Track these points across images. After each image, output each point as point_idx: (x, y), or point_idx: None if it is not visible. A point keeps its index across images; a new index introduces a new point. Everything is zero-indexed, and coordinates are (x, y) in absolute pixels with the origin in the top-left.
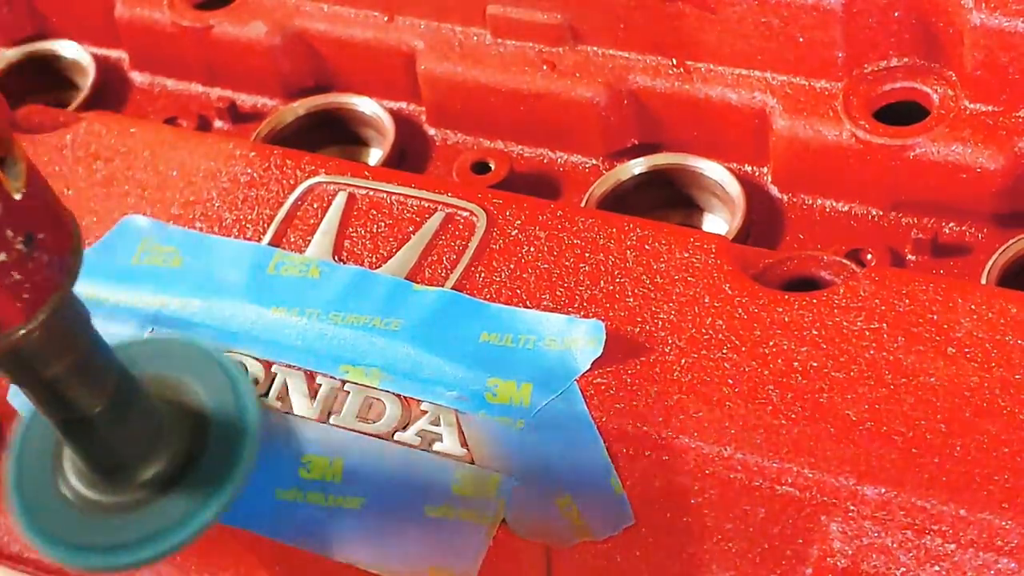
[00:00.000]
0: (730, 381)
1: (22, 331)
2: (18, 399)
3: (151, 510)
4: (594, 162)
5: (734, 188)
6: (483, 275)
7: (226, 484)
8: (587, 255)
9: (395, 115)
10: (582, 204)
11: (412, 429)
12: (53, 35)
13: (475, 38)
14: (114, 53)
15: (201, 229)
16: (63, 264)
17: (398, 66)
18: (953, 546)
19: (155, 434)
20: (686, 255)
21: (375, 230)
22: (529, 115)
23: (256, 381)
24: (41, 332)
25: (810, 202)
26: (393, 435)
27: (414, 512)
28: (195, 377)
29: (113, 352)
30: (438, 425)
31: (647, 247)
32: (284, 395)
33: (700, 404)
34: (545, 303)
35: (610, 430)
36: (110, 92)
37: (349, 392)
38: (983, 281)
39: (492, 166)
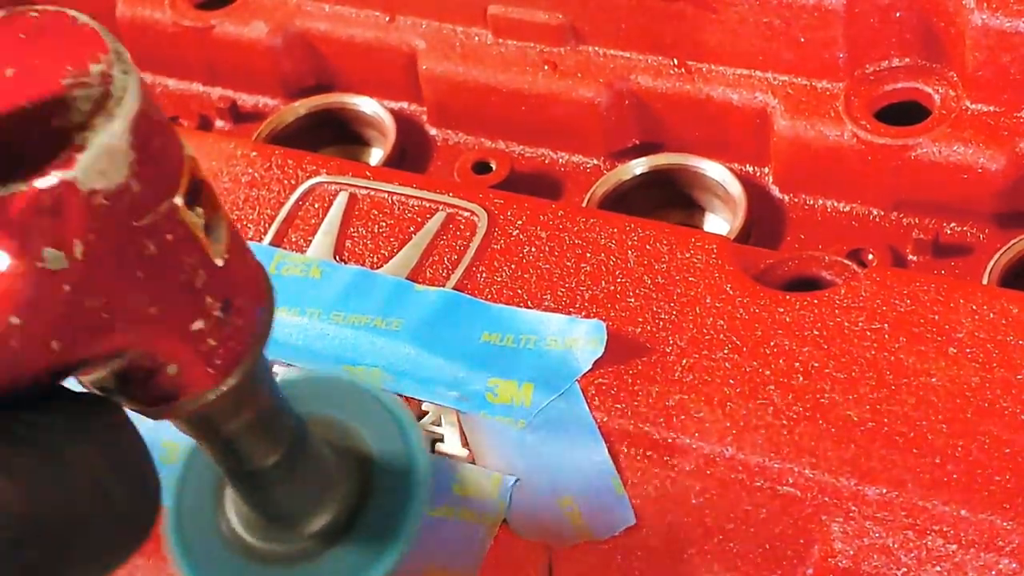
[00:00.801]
0: (731, 381)
1: (211, 396)
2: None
3: (318, 563)
4: (595, 162)
5: (735, 188)
6: (484, 275)
7: (396, 539)
8: (588, 255)
9: (396, 115)
10: (583, 204)
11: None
12: None
13: (476, 38)
14: None
15: None
16: (258, 327)
17: (399, 66)
18: (954, 546)
19: (325, 483)
20: (687, 255)
21: (376, 230)
22: (530, 115)
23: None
24: (227, 395)
25: (811, 202)
26: None
27: None
28: (361, 419)
29: (289, 403)
30: (439, 425)
31: (648, 247)
32: None
33: (701, 404)
34: (546, 303)
35: (611, 430)
36: None
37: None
38: (984, 281)
39: (493, 166)
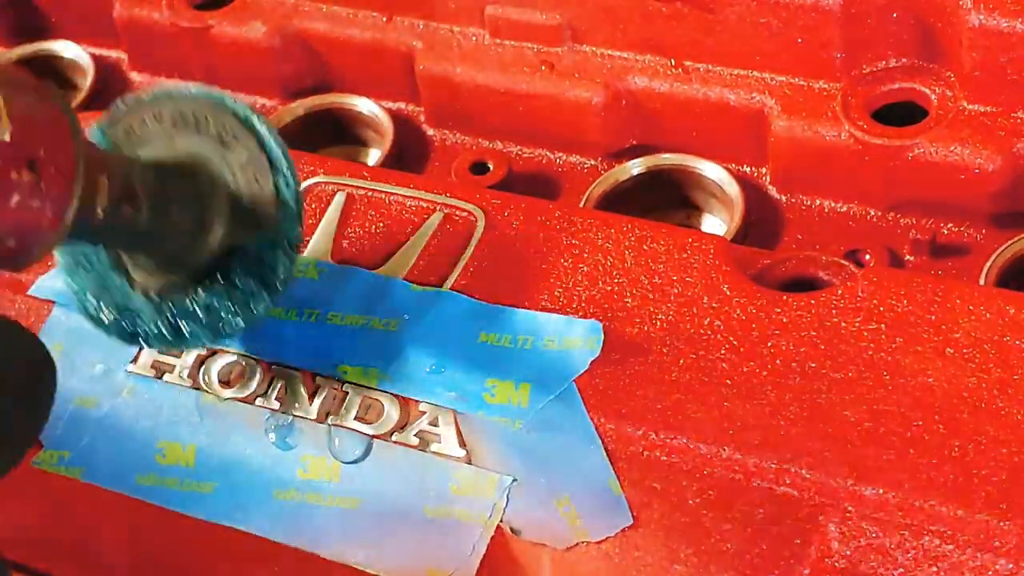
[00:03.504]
0: (728, 381)
1: (54, 239)
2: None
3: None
4: (593, 162)
5: (732, 188)
6: (481, 275)
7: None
8: (585, 255)
9: (394, 115)
10: (581, 204)
11: (410, 429)
12: (53, 35)
13: (474, 38)
14: (113, 53)
15: None
16: (73, 166)
17: (397, 66)
18: (951, 547)
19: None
20: (684, 255)
21: (373, 230)
22: (528, 115)
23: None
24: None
25: (808, 202)
26: (391, 435)
27: (412, 512)
28: (226, 150)
29: (134, 163)
30: (436, 426)
31: (645, 247)
32: (283, 395)
33: (698, 404)
34: (543, 303)
35: (608, 430)
36: (109, 92)
37: (348, 393)
38: (981, 282)
39: (490, 166)
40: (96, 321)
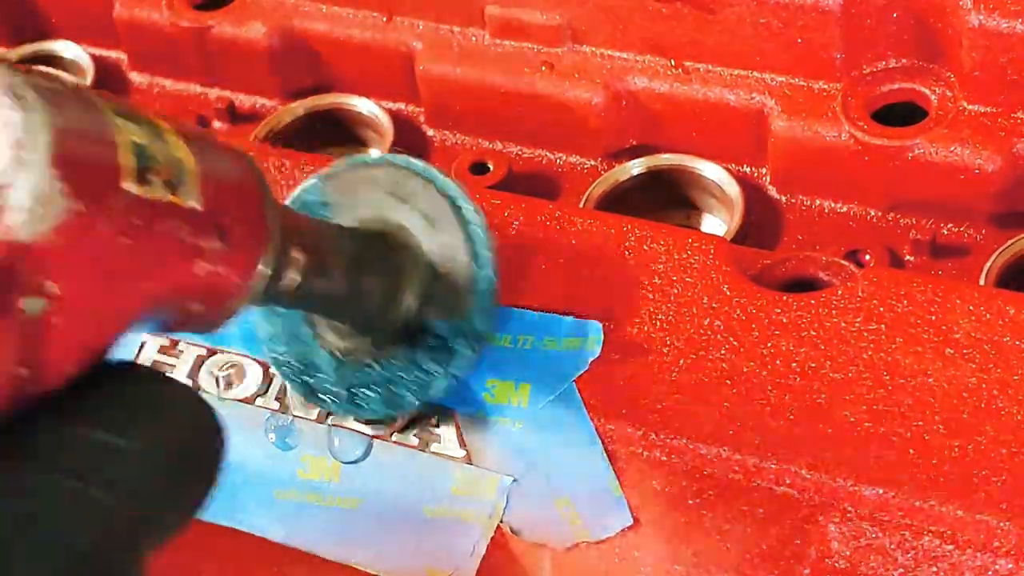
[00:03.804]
0: (728, 382)
1: (246, 300)
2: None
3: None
4: (592, 163)
5: (732, 189)
6: None
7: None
8: (585, 255)
9: (394, 115)
10: (580, 205)
11: (410, 429)
12: (52, 35)
13: (474, 38)
14: (113, 53)
15: None
16: (265, 226)
17: (397, 67)
18: (951, 547)
19: (397, 279)
20: (684, 256)
21: None
22: (528, 116)
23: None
24: (262, 283)
25: (808, 203)
26: (391, 436)
27: (412, 512)
28: (425, 218)
29: (334, 228)
30: (436, 426)
31: (645, 248)
32: (283, 396)
33: (698, 405)
34: (543, 303)
35: (608, 430)
36: (109, 92)
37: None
38: (981, 282)
39: (490, 166)
40: (281, 368)
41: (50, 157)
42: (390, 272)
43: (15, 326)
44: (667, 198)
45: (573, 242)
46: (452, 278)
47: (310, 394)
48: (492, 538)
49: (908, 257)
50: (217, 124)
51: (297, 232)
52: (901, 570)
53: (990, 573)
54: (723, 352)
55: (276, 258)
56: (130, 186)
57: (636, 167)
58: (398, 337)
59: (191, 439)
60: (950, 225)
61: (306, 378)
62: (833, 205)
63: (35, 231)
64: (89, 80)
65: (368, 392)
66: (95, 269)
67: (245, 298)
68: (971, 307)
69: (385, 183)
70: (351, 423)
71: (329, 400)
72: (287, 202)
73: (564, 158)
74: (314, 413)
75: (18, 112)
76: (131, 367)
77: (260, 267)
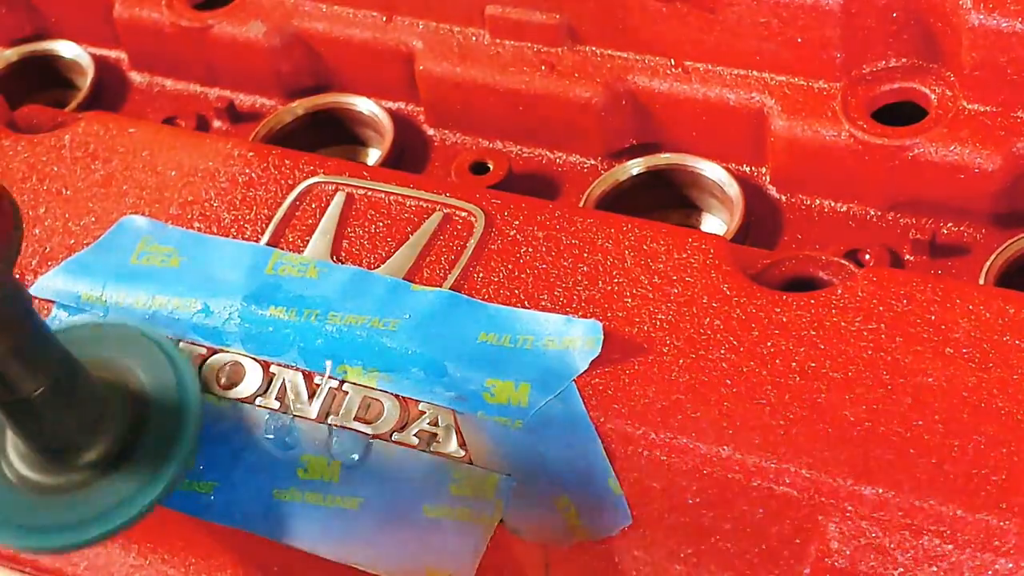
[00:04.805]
0: (728, 381)
1: None
2: None
3: (94, 491)
4: (592, 162)
5: (732, 188)
6: (481, 275)
7: (168, 466)
8: (585, 255)
9: (394, 115)
10: (580, 204)
11: (410, 429)
12: (53, 35)
13: (474, 38)
14: (113, 53)
15: (199, 229)
16: (3, 245)
17: (397, 66)
18: (951, 546)
19: (97, 416)
20: (684, 255)
21: (373, 230)
22: (528, 115)
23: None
24: None
25: (808, 202)
26: (391, 435)
27: (412, 512)
28: (136, 361)
29: (54, 335)
30: (436, 425)
31: (645, 247)
32: (283, 395)
33: (698, 404)
34: (543, 303)
35: (608, 430)
36: (109, 92)
37: (348, 392)
38: (981, 281)
39: (490, 166)
40: None
41: None
42: (95, 396)
43: None
44: (667, 198)
45: (573, 242)
46: (162, 405)
47: None
48: (492, 538)
49: (908, 257)
50: (217, 123)
51: (26, 303)
52: (901, 569)
53: (990, 573)
54: (723, 352)
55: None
56: None
57: (636, 167)
58: (98, 465)
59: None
60: (950, 224)
61: None
62: (833, 205)
63: None
64: (89, 80)
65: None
66: None
67: None
68: (971, 307)
69: (102, 336)
70: (351, 423)
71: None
72: None
73: (564, 157)
74: (314, 413)
75: None
76: None
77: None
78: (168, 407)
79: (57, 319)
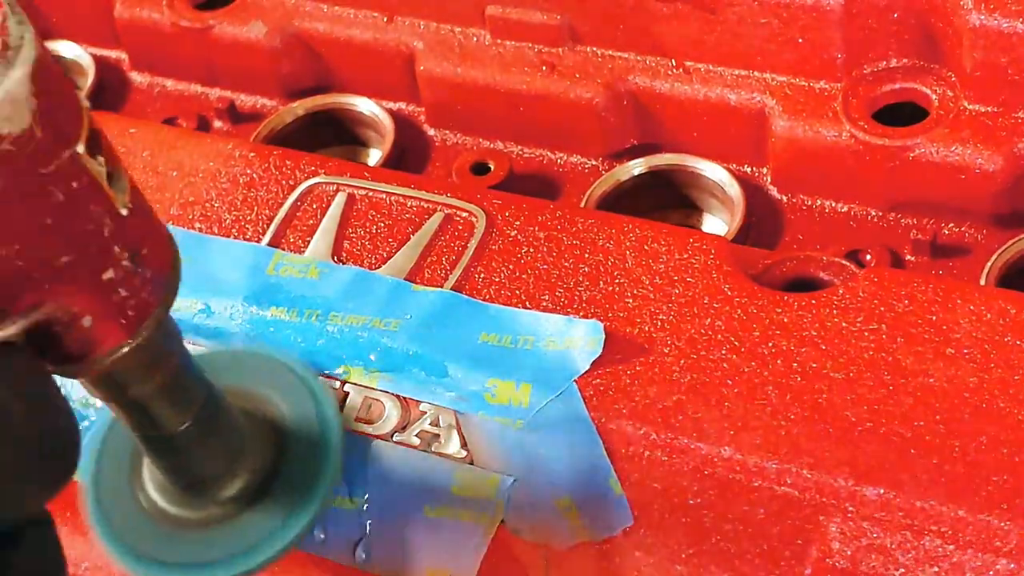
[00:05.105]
0: (729, 381)
1: (124, 349)
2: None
3: (234, 527)
4: (593, 163)
5: (733, 189)
6: (482, 276)
7: (309, 502)
8: (586, 256)
9: (394, 115)
10: (581, 205)
11: (411, 430)
12: (53, 35)
13: (474, 39)
14: (114, 53)
15: (200, 229)
16: (165, 280)
17: (397, 67)
18: (952, 547)
19: (238, 449)
20: (685, 256)
21: (374, 230)
22: (528, 116)
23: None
24: (139, 351)
25: (809, 203)
26: (392, 436)
27: (413, 512)
28: (276, 389)
29: (201, 369)
30: (437, 426)
31: (646, 248)
32: None
33: (699, 404)
34: (544, 303)
35: (609, 430)
36: (109, 92)
37: (349, 393)
38: (982, 282)
39: (491, 167)
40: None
41: (32, 71)
42: (237, 429)
43: None
44: (668, 198)
45: (574, 242)
46: (303, 437)
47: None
48: (493, 538)
49: (909, 257)
50: (218, 124)
51: (178, 338)
52: (902, 570)
53: (991, 573)
54: (724, 352)
55: (157, 328)
56: (82, 149)
57: (637, 167)
58: (238, 500)
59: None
60: (951, 225)
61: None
62: (834, 205)
63: None
64: (90, 80)
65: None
66: (21, 201)
67: (125, 343)
68: (972, 307)
69: (234, 362)
70: (351, 423)
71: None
72: None
73: (565, 158)
74: None
75: (14, 22)
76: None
77: (151, 320)
78: (309, 439)
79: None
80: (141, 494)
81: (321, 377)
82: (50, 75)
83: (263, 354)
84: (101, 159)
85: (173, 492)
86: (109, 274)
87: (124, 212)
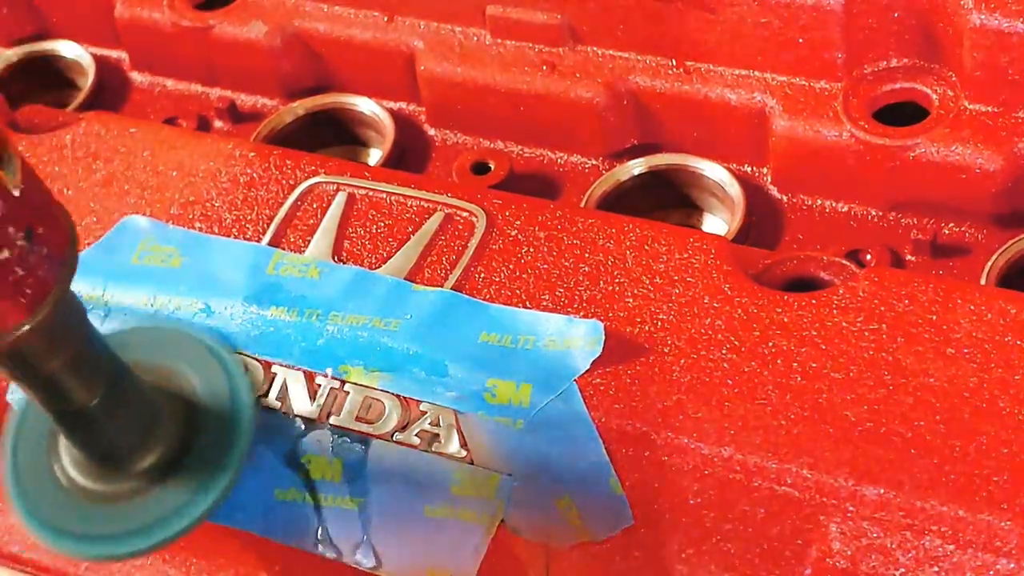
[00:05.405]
0: (729, 381)
1: (26, 327)
2: (15, 395)
3: (149, 499)
4: (594, 162)
5: (734, 188)
6: (482, 275)
7: (222, 473)
8: (586, 255)
9: (395, 115)
10: (582, 204)
11: (412, 429)
12: (53, 35)
13: (475, 38)
14: (114, 53)
15: (201, 229)
16: (62, 257)
17: (398, 66)
18: (952, 547)
19: (151, 423)
20: (685, 255)
21: (375, 230)
22: (529, 115)
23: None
24: (41, 328)
25: (810, 202)
26: (393, 435)
27: (413, 512)
28: (188, 365)
29: (108, 344)
30: (438, 425)
31: (646, 247)
32: (284, 395)
33: (699, 404)
34: (544, 303)
35: (609, 430)
36: (110, 92)
37: (349, 392)
38: (982, 281)
39: (492, 166)
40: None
41: None
42: (148, 403)
43: None
44: (668, 198)
45: (574, 242)
46: (214, 411)
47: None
48: (493, 538)
49: (909, 257)
50: (218, 124)
51: (81, 313)
52: (902, 570)
53: (991, 573)
54: (724, 352)
55: (56, 306)
56: None
57: (637, 167)
58: (151, 473)
59: None
60: (951, 225)
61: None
62: (834, 205)
63: None
64: (90, 80)
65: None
66: None
67: (25, 322)
68: (972, 307)
69: (146, 339)
70: (351, 423)
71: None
72: None
73: (565, 158)
74: (315, 413)
75: None
76: None
77: (50, 298)
78: (221, 414)
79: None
80: (58, 468)
81: (235, 352)
82: None
83: (176, 330)
84: None
85: (88, 466)
86: (4, 254)
87: (16, 192)
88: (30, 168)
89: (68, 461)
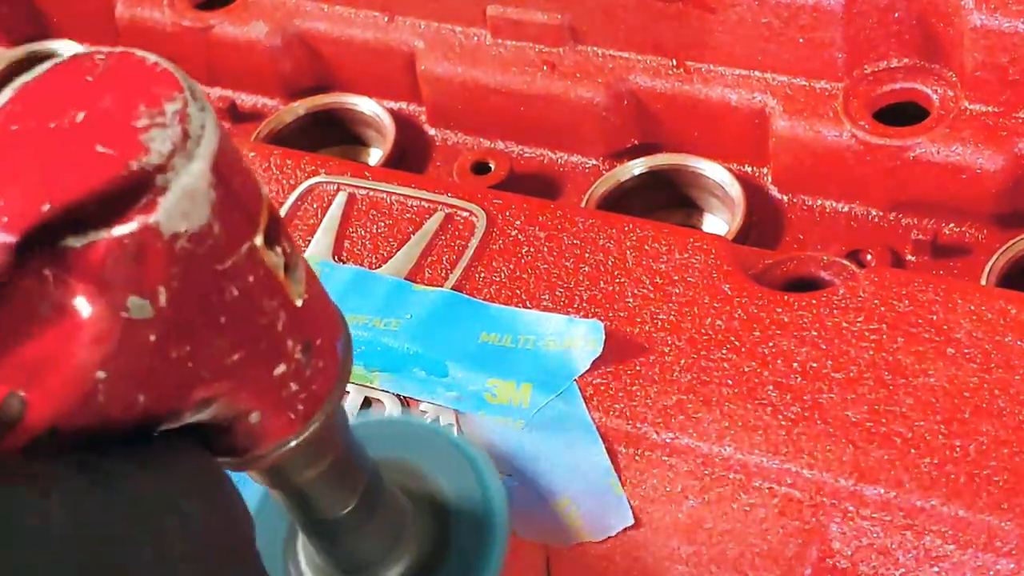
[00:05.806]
0: (729, 381)
1: (290, 444)
2: (248, 489)
3: None
4: (594, 162)
5: (734, 188)
6: (483, 275)
7: None
8: (587, 255)
9: (395, 115)
10: (582, 204)
11: None
12: (53, 35)
13: (475, 38)
14: None
15: None
16: (337, 372)
17: (398, 66)
18: (952, 547)
19: (400, 531)
20: (686, 255)
21: (375, 230)
22: (529, 115)
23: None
24: (304, 444)
25: (810, 203)
26: None
27: None
28: (433, 462)
29: (365, 450)
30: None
31: (647, 247)
32: None
33: (699, 404)
34: (545, 303)
35: (609, 430)
36: None
37: (348, 392)
38: (983, 282)
39: (492, 166)
40: None
41: (213, 162)
42: (398, 509)
43: (116, 319)
44: (668, 198)
45: (575, 242)
46: (466, 516)
47: None
48: None
49: (909, 257)
50: None
51: (345, 424)
52: (903, 570)
53: (991, 573)
54: (724, 351)
55: (326, 421)
56: (260, 241)
57: (637, 167)
58: None
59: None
60: (951, 225)
61: None
62: (835, 205)
63: (171, 227)
64: None
65: None
66: (198, 297)
67: (291, 439)
68: (972, 307)
69: (391, 433)
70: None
71: None
72: None
73: (565, 158)
74: None
75: (195, 109)
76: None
77: (320, 413)
78: (472, 518)
79: None
80: (294, 569)
81: (481, 449)
82: (231, 164)
83: (419, 424)
84: (279, 249)
85: (330, 574)
86: (281, 369)
87: (299, 303)
88: (313, 274)
89: (308, 568)
